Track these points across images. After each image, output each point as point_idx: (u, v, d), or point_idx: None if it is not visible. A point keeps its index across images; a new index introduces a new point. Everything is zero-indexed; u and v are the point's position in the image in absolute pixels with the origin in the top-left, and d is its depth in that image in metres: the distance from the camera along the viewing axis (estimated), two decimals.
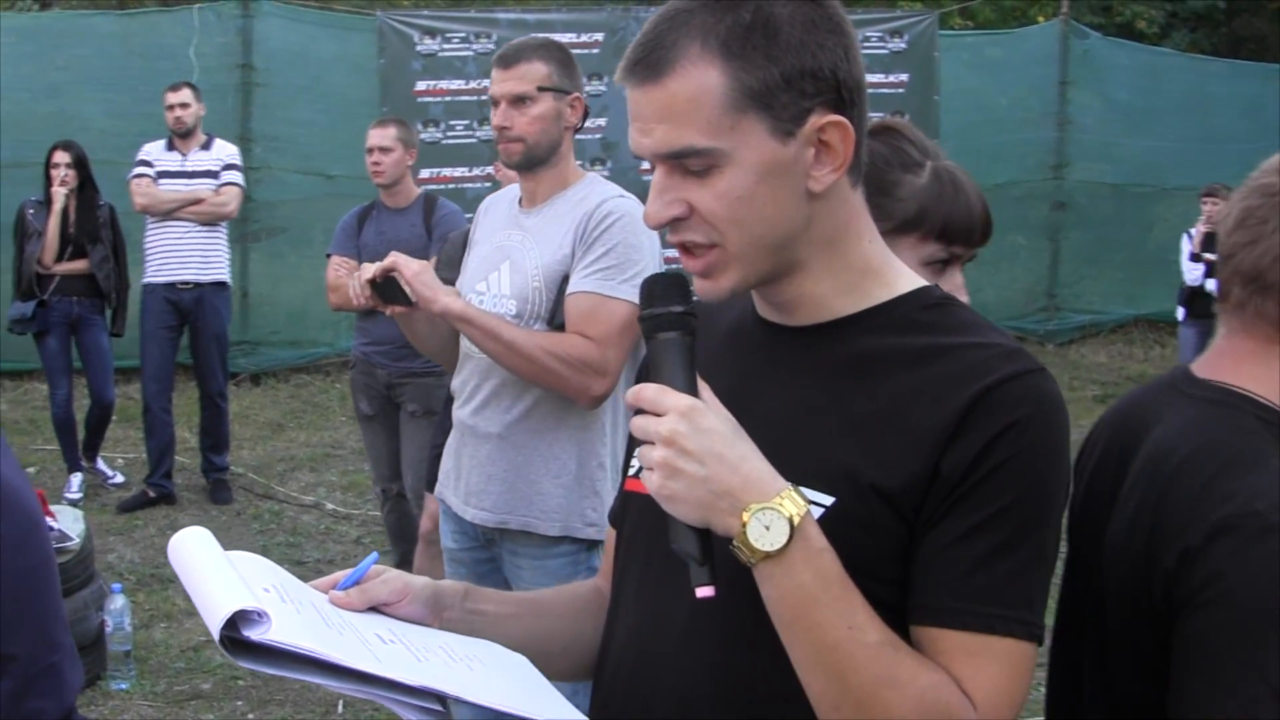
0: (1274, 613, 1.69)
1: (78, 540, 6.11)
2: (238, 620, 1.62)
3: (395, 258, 3.84)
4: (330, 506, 9.24)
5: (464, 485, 4.10)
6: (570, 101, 3.99)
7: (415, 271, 3.81)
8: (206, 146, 9.20)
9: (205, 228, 9.05)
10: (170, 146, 9.16)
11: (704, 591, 1.61)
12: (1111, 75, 15.60)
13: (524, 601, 2.10)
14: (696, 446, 1.59)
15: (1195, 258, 11.36)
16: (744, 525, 1.57)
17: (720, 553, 1.61)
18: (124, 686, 6.12)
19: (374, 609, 1.88)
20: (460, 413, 4.13)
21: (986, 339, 1.72)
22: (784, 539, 1.57)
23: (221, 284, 9.23)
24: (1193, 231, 11.67)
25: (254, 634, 1.62)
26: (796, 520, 1.57)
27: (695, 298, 1.73)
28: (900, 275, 1.83)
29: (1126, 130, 15.51)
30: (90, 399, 9.35)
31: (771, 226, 1.71)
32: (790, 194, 1.71)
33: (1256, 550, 1.73)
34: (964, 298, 2.41)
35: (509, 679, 1.82)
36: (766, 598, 1.61)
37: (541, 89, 3.94)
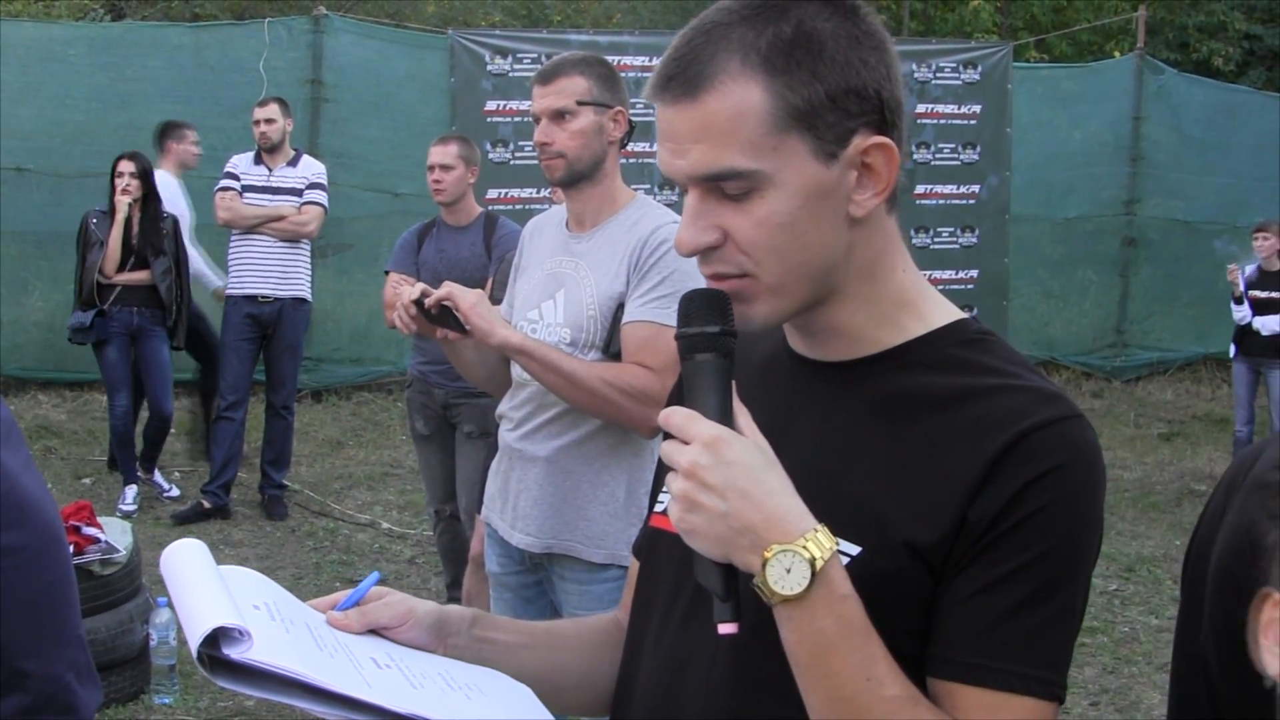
0: None
1: (125, 553, 6.09)
2: (219, 637, 1.55)
3: (450, 288, 3.76)
4: (386, 525, 9.22)
5: (511, 509, 4.05)
6: (613, 116, 3.93)
7: (471, 303, 3.73)
8: (294, 163, 9.25)
9: (287, 244, 9.10)
10: (258, 160, 9.19)
11: (726, 628, 1.54)
12: (1186, 111, 15.44)
13: (537, 632, 2.01)
14: (718, 480, 1.51)
15: (1239, 300, 11.13)
16: (764, 565, 1.49)
17: (747, 589, 1.53)
18: (167, 701, 6.09)
19: (375, 632, 1.81)
20: (509, 437, 4.08)
21: (1025, 381, 1.63)
22: (804, 583, 1.49)
23: (301, 300, 9.27)
24: (1247, 268, 11.37)
25: (234, 652, 1.55)
26: (819, 564, 1.49)
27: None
28: (936, 307, 1.75)
29: (1200, 167, 15.35)
30: (149, 411, 9.37)
31: (812, 254, 1.63)
32: (832, 219, 1.63)
33: None
34: None
35: (507, 710, 1.74)
36: (785, 640, 1.54)
37: (581, 103, 3.88)
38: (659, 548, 1.85)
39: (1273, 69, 21.53)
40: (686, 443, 1.54)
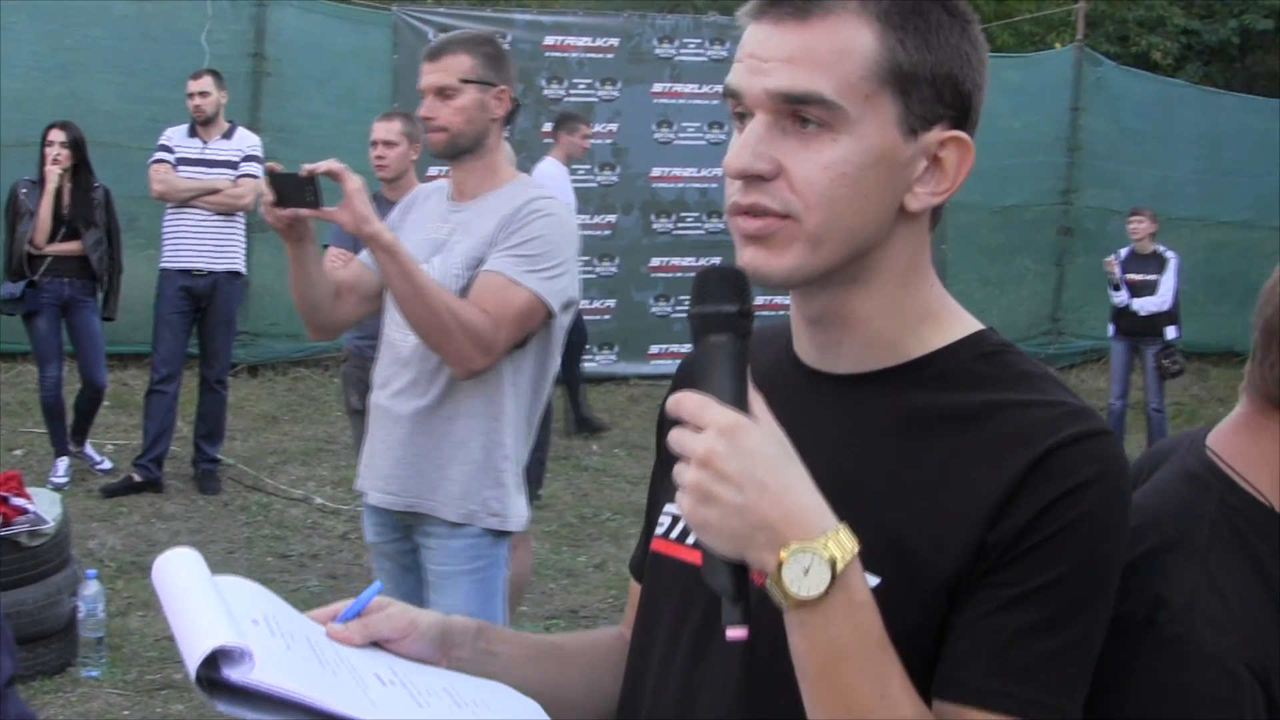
0: None
1: (53, 524, 6.06)
2: (218, 657, 1.48)
3: (339, 164, 3.82)
4: (319, 501, 9.20)
5: (378, 472, 4.17)
6: (496, 94, 4.08)
7: (358, 186, 3.82)
8: (228, 135, 9.20)
9: (222, 217, 9.06)
10: (192, 133, 9.13)
11: (735, 632, 1.41)
12: (1124, 104, 15.60)
13: (542, 645, 1.96)
14: (735, 469, 1.38)
15: (1115, 287, 11.98)
16: (780, 564, 1.38)
17: (758, 596, 1.43)
18: (95, 674, 6.07)
19: (376, 644, 1.74)
20: (378, 396, 4.21)
21: (1049, 395, 1.55)
22: (823, 586, 1.38)
23: (235, 273, 9.24)
24: (1121, 252, 12.20)
25: (235, 674, 1.47)
26: (840, 565, 1.38)
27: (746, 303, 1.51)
28: (956, 318, 1.66)
29: (1137, 159, 15.51)
30: (81, 382, 9.30)
31: (863, 220, 1.54)
32: (889, 196, 1.55)
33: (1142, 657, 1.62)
34: None
35: None
36: (794, 646, 1.43)
37: (465, 80, 4.03)
38: (660, 575, 1.75)
39: (1209, 64, 21.77)
40: (699, 429, 1.41)
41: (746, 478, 1.38)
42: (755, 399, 1.45)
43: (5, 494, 5.95)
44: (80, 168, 8.90)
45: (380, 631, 1.74)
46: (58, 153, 8.76)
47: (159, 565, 1.71)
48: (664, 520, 1.74)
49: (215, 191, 8.97)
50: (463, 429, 4.02)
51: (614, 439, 11.47)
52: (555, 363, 4.18)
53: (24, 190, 8.95)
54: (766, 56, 1.52)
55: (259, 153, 9.18)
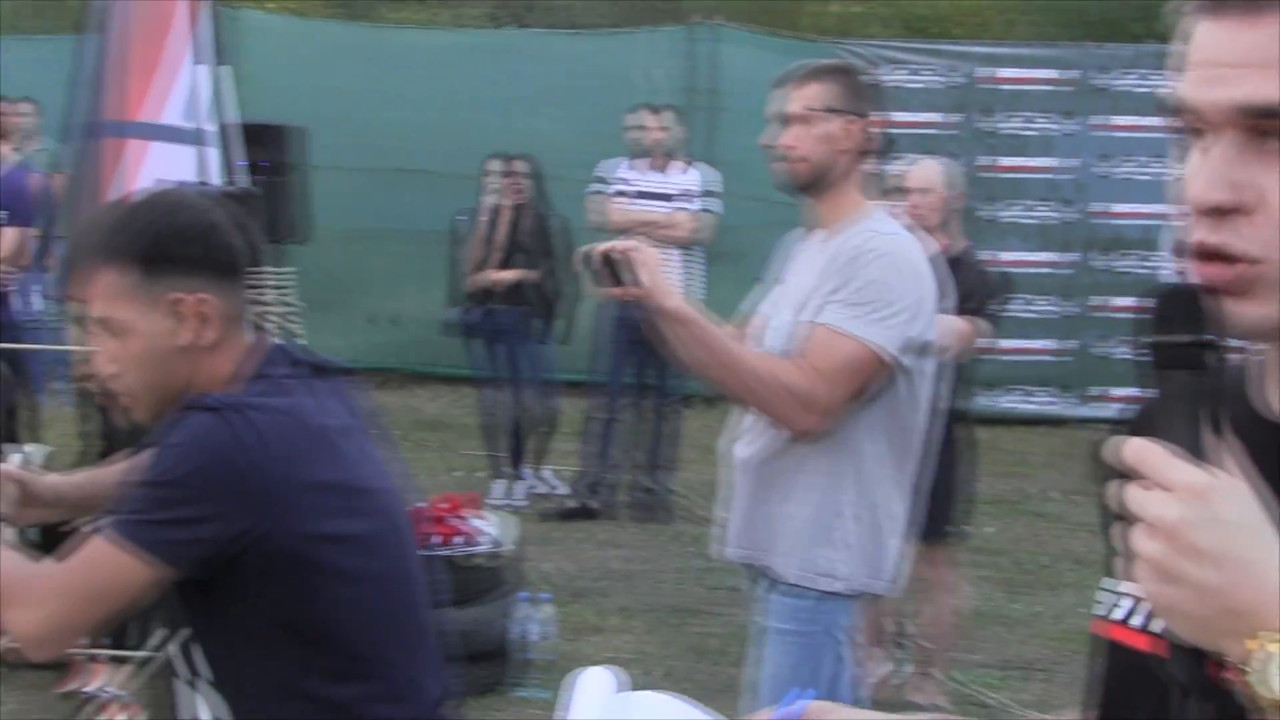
0: None
1: (493, 546, 6.20)
2: None
3: (640, 245, 3.71)
4: None
5: (730, 519, 3.99)
6: (858, 125, 3.83)
7: (648, 261, 3.64)
8: (683, 170, 9.25)
9: (674, 249, 8.99)
10: (646, 167, 9.24)
11: None
12: None
13: None
14: (1210, 544, 1.13)
15: None
16: (1250, 655, 1.12)
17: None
18: (526, 695, 6.15)
19: None
20: (735, 443, 4.01)
21: None
22: None
23: None
24: None
25: None
26: None
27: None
28: None
29: None
30: (529, 407, 9.50)
31: None
32: None
33: None
34: None
35: None
36: None
37: (829, 109, 3.81)
38: (1120, 669, 1.43)
39: None
40: (1162, 489, 1.15)
41: (1223, 555, 1.13)
42: (1228, 455, 1.19)
43: (444, 515, 6.12)
44: (533, 198, 9.14)
45: None
46: (518, 183, 9.01)
47: (575, 683, 1.69)
48: (1108, 597, 1.43)
49: (659, 224, 9.01)
50: (799, 483, 3.78)
51: (1050, 482, 11.12)
52: (921, 412, 3.85)
53: (470, 219, 9.26)
54: (1220, 63, 1.23)
55: (717, 188, 9.19)
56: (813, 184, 3.86)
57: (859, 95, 3.91)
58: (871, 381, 3.65)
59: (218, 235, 2.51)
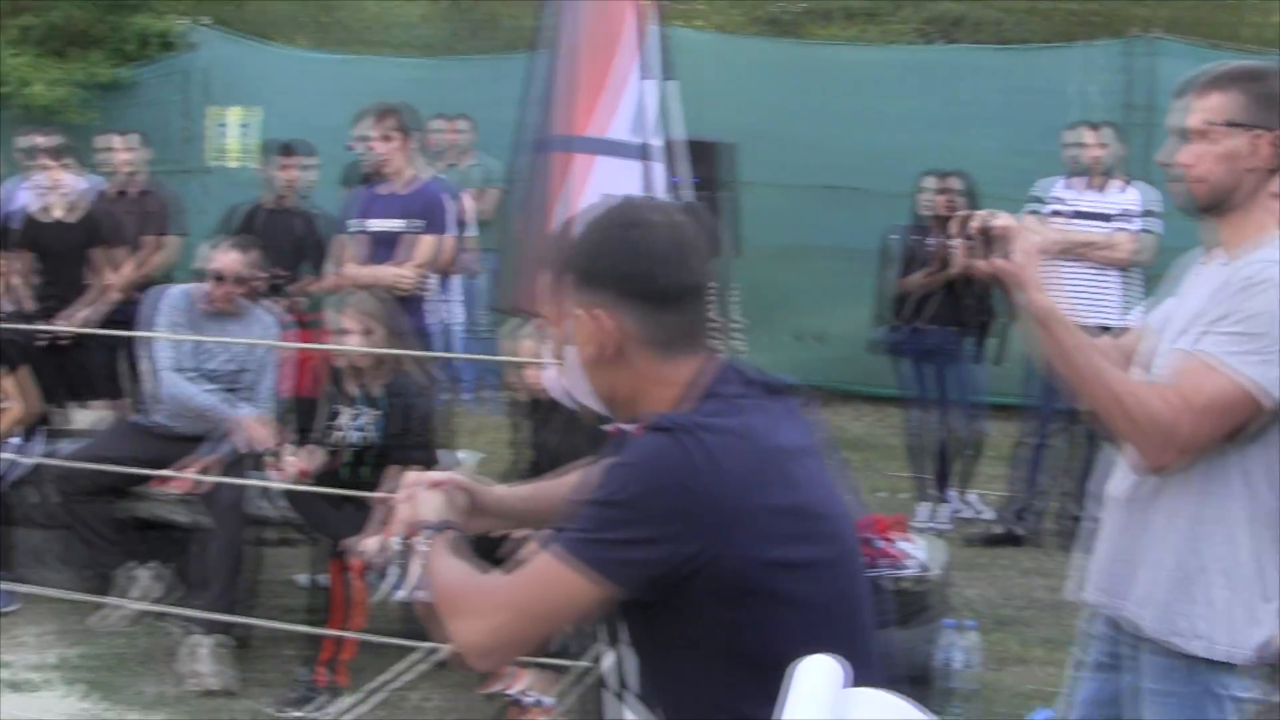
0: None
1: (933, 571, 6.14)
2: None
3: (1025, 228, 3.33)
4: None
5: (1095, 557, 3.62)
6: (1268, 140, 3.35)
7: (1029, 245, 3.29)
8: (1121, 189, 8.95)
9: (1112, 271, 8.76)
10: (1084, 186, 8.98)
11: None
12: None
13: None
14: None
15: None
16: None
17: None
18: None
19: None
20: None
21: None
22: None
23: (1103, 327, 8.93)
24: None
25: None
26: None
27: None
28: None
29: None
30: (955, 429, 9.40)
31: None
32: None
33: None
34: None
35: None
36: None
37: (1232, 124, 3.35)
38: None
39: None
40: None
41: None
42: None
43: (871, 536, 6.08)
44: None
45: None
46: (951, 199, 8.92)
47: (799, 670, 1.77)
48: None
49: (1093, 245, 8.74)
50: (1159, 526, 3.38)
51: None
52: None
53: (900, 237, 9.20)
54: None
55: (1157, 207, 8.80)
56: (1213, 205, 3.45)
57: (1270, 105, 3.41)
58: (1247, 422, 3.26)
59: (656, 256, 2.48)
